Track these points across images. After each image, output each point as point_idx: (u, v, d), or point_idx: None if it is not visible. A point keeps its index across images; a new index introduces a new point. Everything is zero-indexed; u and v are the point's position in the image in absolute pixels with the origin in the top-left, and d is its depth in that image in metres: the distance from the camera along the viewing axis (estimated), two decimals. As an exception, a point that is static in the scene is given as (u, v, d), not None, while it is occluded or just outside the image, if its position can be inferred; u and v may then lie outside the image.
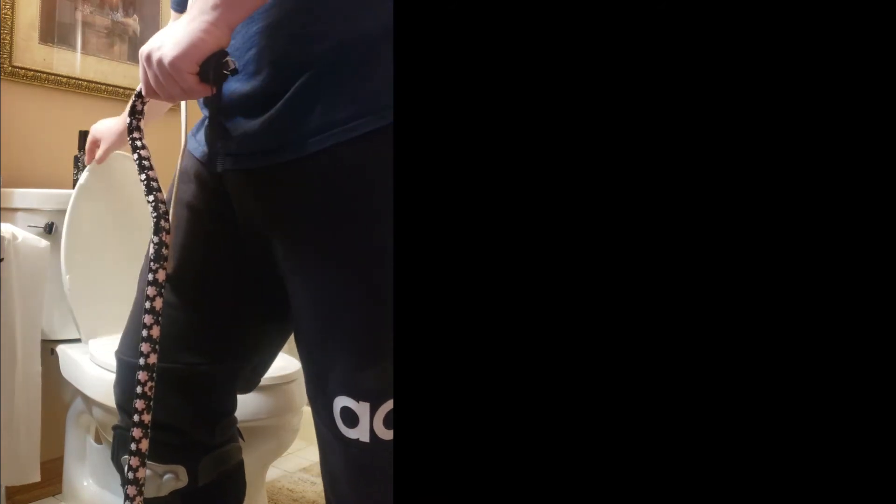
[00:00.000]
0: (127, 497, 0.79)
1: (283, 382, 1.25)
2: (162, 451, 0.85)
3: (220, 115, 0.79)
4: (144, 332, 0.78)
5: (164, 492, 0.87)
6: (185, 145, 0.86)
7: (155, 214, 0.79)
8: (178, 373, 0.84)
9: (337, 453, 0.78)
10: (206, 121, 0.83)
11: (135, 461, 0.79)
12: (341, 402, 0.75)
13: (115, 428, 0.91)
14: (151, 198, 0.79)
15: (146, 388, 0.78)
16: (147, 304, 0.78)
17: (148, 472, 0.85)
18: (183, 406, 0.85)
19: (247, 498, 1.25)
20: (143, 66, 0.72)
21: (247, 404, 1.16)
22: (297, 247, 0.77)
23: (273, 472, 1.76)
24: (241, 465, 0.95)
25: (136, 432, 0.79)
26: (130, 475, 0.79)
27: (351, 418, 0.75)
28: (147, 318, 0.78)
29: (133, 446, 0.79)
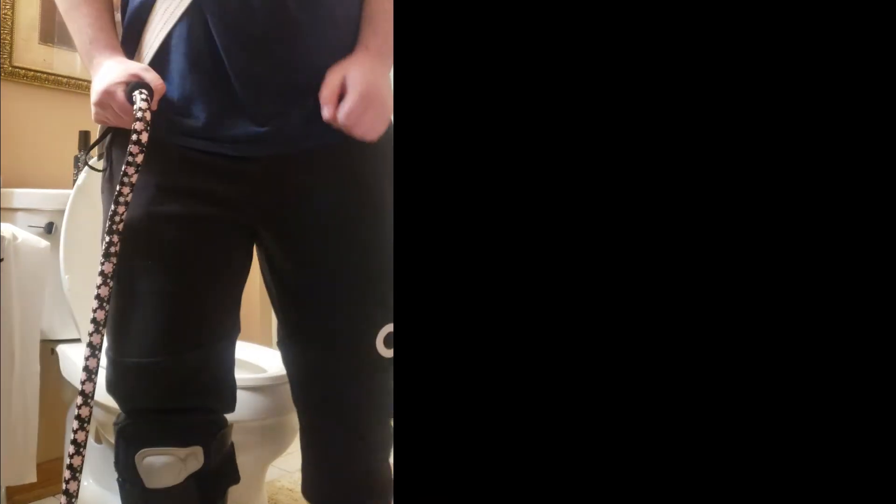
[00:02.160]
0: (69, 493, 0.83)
1: (283, 382, 1.24)
2: (185, 435, 0.89)
3: (245, 97, 0.84)
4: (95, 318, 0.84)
5: (182, 477, 0.89)
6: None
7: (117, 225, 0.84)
8: (200, 355, 0.89)
9: (371, 377, 0.92)
10: (212, 104, 0.84)
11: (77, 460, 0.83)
12: (387, 329, 0.90)
13: (123, 425, 0.91)
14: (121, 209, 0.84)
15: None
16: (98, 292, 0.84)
17: (170, 459, 0.88)
18: (207, 383, 0.90)
19: (247, 498, 1.25)
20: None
21: (247, 404, 1.16)
22: (329, 218, 0.88)
23: (273, 472, 1.76)
24: (233, 446, 0.99)
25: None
26: (74, 460, 0.82)
27: (391, 341, 0.90)
28: (95, 303, 0.84)
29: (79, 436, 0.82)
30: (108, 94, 0.83)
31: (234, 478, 0.98)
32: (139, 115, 0.81)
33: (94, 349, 0.83)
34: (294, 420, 1.30)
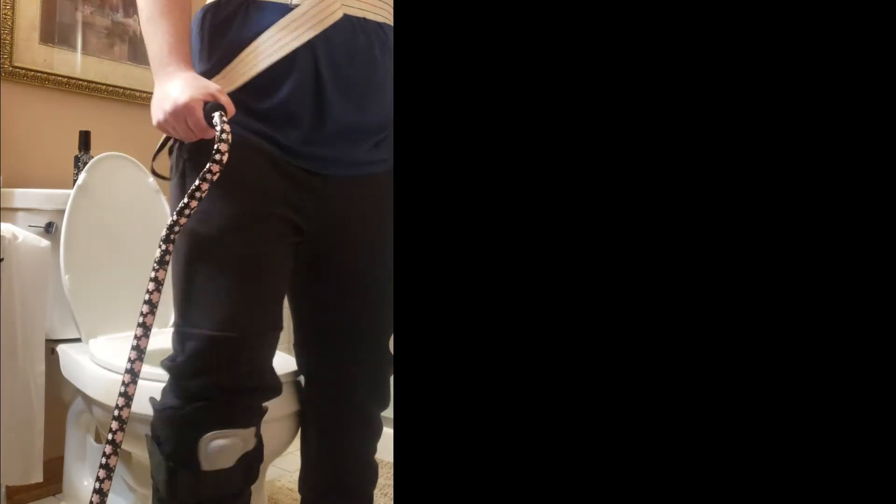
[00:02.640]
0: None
1: (283, 381, 1.25)
2: (246, 416, 0.95)
3: (329, 126, 0.96)
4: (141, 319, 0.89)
5: (237, 458, 0.95)
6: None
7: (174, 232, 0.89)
8: (271, 337, 0.97)
9: (382, 374, 1.08)
10: (302, 127, 0.95)
11: (103, 474, 0.87)
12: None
13: (186, 411, 0.92)
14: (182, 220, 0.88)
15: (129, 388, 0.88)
16: (147, 297, 0.89)
17: (234, 440, 0.93)
18: (267, 366, 0.97)
19: (247, 497, 1.25)
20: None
21: (246, 404, 1.17)
22: (375, 232, 1.04)
23: (273, 472, 1.76)
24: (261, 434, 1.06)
25: (108, 449, 0.87)
26: (97, 485, 0.86)
27: None
28: (145, 308, 0.89)
29: (104, 460, 0.86)
30: (187, 109, 0.86)
31: (262, 457, 1.04)
32: (224, 136, 0.85)
33: (140, 352, 0.88)
34: (294, 419, 1.30)
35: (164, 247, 0.88)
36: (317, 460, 1.12)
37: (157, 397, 0.98)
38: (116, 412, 0.86)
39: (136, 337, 0.88)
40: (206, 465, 0.92)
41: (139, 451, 1.34)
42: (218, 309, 0.91)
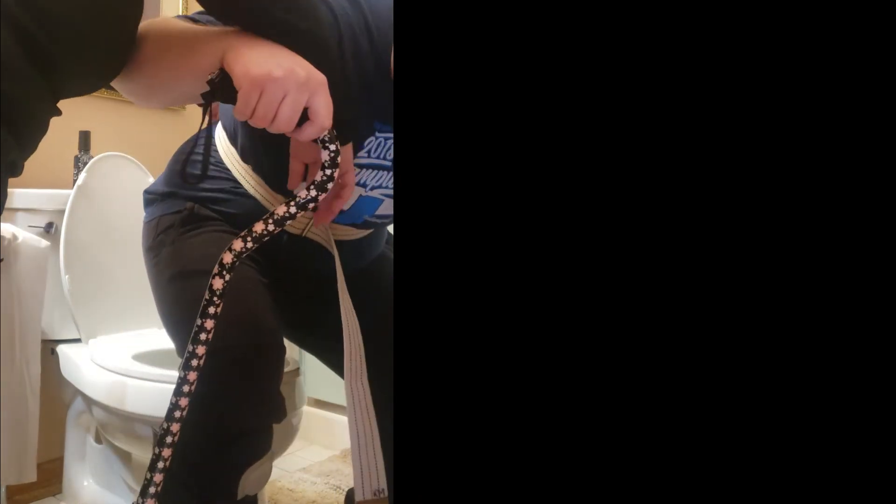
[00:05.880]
0: None
1: (286, 381, 1.25)
2: (267, 444, 0.93)
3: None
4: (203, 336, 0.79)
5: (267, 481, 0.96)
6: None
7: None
8: (283, 356, 0.95)
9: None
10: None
11: (158, 477, 0.80)
12: None
13: (230, 450, 0.87)
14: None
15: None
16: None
17: (269, 466, 0.94)
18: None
19: (247, 497, 1.25)
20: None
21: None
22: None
23: (273, 472, 1.76)
24: None
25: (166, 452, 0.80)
26: (153, 489, 0.79)
27: None
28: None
29: (161, 464, 0.80)
30: (322, 85, 0.73)
31: None
32: (337, 160, 0.81)
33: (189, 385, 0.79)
34: (294, 420, 1.30)
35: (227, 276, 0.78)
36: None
37: (157, 402, 0.97)
38: (167, 424, 0.79)
39: (188, 382, 0.78)
40: (241, 495, 0.89)
41: (139, 452, 1.35)
42: (248, 319, 0.88)
